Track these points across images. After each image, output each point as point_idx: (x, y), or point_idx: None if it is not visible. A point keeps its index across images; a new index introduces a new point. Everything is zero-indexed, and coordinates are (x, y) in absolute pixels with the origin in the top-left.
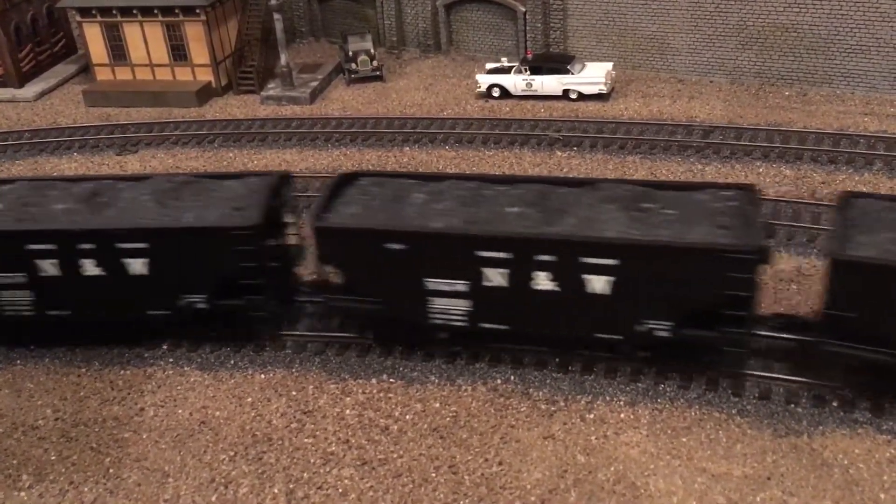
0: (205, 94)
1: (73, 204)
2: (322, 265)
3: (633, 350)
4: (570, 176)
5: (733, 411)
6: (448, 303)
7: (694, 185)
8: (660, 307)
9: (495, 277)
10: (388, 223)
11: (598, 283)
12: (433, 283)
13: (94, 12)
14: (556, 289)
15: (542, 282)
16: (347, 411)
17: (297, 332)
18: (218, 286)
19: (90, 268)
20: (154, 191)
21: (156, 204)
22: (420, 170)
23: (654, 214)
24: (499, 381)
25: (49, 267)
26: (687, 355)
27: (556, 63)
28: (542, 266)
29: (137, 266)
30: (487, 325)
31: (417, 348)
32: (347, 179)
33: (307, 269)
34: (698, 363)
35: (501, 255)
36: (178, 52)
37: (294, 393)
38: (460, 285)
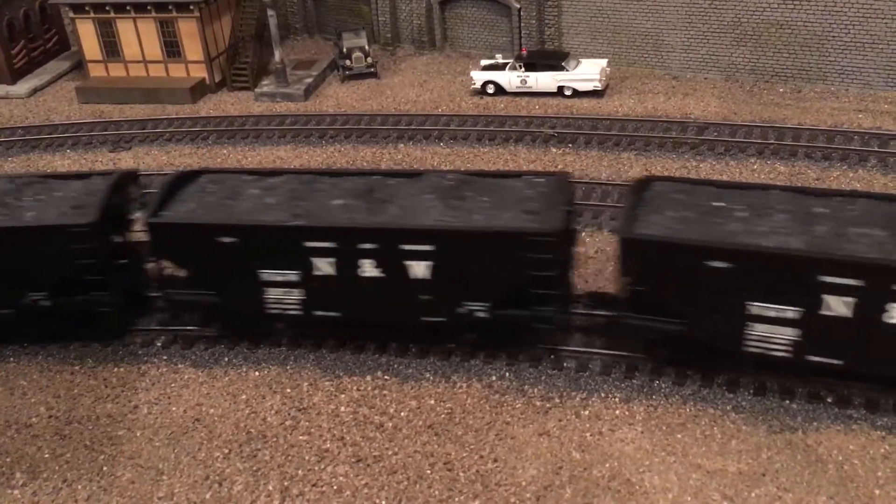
0: (198, 91)
1: None
2: None
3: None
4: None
5: (728, 408)
6: None
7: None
8: None
9: None
10: None
11: None
12: None
13: (87, 8)
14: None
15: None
16: (342, 408)
17: None
18: None
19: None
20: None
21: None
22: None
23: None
24: (494, 378)
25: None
26: None
27: (550, 60)
28: None
29: None
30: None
31: None
32: None
33: None
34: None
35: None
36: (172, 49)
37: (289, 390)
38: None
